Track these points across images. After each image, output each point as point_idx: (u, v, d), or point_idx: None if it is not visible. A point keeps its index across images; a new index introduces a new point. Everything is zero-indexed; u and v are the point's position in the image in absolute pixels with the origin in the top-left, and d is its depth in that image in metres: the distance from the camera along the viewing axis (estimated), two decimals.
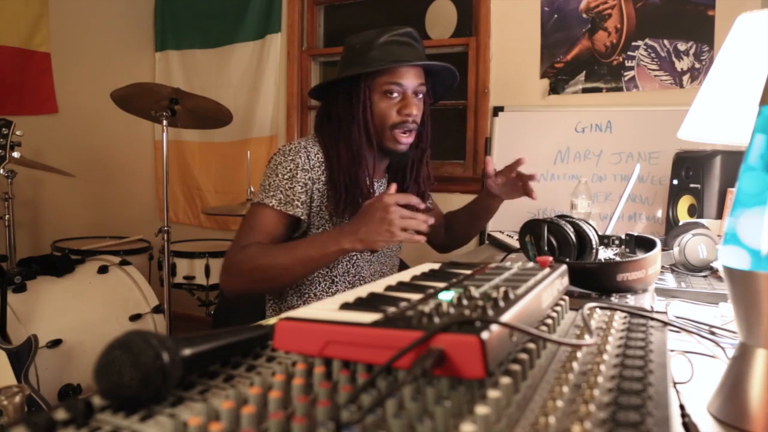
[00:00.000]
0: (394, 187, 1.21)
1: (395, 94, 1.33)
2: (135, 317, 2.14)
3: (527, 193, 1.47)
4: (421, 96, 1.37)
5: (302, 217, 1.32)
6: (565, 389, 0.41)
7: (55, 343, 1.86)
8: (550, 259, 0.68)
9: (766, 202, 0.50)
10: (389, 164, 1.47)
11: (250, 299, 1.60)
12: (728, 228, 0.53)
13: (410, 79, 1.33)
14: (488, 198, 1.57)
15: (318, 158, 1.35)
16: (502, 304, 0.46)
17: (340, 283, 1.41)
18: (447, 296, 0.50)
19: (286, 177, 1.31)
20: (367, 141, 1.33)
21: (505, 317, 0.42)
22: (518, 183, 1.48)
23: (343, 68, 1.37)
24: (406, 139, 1.35)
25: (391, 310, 0.46)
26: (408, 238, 1.16)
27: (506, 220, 2.51)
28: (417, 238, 1.17)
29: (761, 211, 0.50)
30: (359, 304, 0.50)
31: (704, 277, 1.13)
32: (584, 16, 2.52)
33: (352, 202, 1.32)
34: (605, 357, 0.48)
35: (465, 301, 0.48)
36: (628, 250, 1.13)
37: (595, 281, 0.83)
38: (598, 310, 0.66)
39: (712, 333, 0.77)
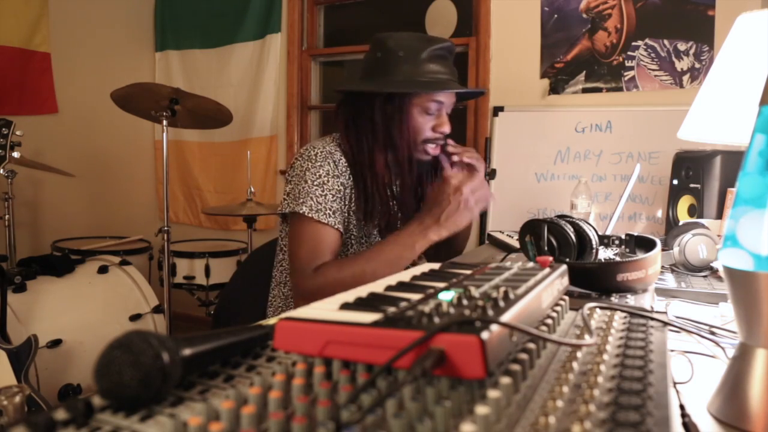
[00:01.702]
0: (448, 167, 1.27)
1: (433, 111, 1.34)
2: (135, 317, 2.14)
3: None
4: (449, 111, 1.39)
5: (336, 227, 1.29)
6: (565, 389, 0.41)
7: (55, 343, 1.86)
8: (550, 259, 0.68)
9: (766, 205, 0.50)
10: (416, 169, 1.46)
11: (249, 300, 1.60)
12: (728, 230, 0.53)
13: (450, 98, 1.36)
14: None
15: (343, 163, 1.33)
16: (502, 304, 0.46)
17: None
18: (447, 296, 0.50)
19: (316, 183, 1.29)
20: (398, 151, 1.33)
21: (505, 317, 0.42)
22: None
23: (380, 72, 1.34)
24: (434, 151, 1.36)
25: (391, 310, 0.46)
26: (484, 207, 1.24)
27: (506, 220, 2.52)
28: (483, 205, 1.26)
29: (761, 213, 0.50)
30: (359, 304, 0.50)
31: (704, 277, 1.13)
32: (584, 16, 2.52)
33: (381, 208, 1.33)
34: (605, 357, 0.48)
35: (465, 301, 0.48)
36: (628, 250, 1.13)
37: (595, 281, 0.83)
38: (598, 310, 0.66)
39: (712, 333, 0.77)
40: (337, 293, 1.22)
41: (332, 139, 1.38)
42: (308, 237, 1.28)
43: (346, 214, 1.34)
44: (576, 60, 2.55)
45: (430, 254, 1.67)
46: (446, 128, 1.36)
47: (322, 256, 1.27)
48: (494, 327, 0.39)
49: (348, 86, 1.40)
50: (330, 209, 1.28)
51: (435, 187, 1.24)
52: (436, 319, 0.42)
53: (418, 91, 1.31)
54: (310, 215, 1.26)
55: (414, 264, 1.49)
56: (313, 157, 1.32)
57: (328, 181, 1.29)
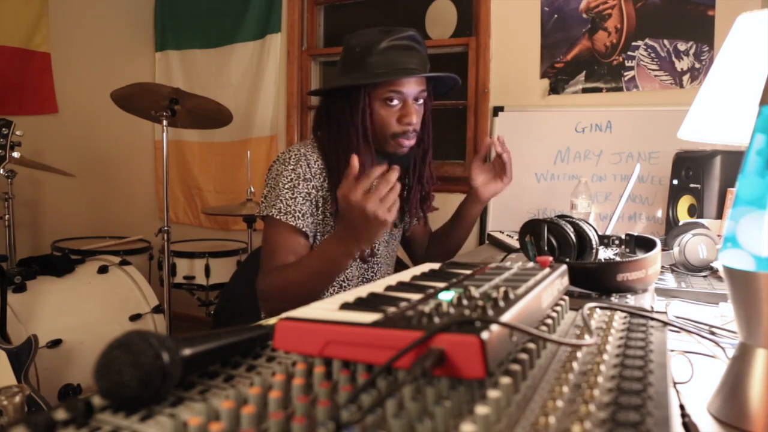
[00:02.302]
0: (352, 174, 1.11)
1: (395, 102, 1.31)
2: (135, 317, 2.14)
3: (502, 168, 1.47)
4: (421, 101, 1.36)
5: (304, 229, 1.30)
6: (565, 389, 0.41)
7: (55, 343, 1.86)
8: (550, 259, 0.68)
9: (766, 206, 0.50)
10: (388, 164, 1.46)
11: (249, 300, 1.60)
12: (728, 232, 0.53)
13: (411, 87, 1.31)
14: (469, 204, 1.55)
15: (318, 165, 1.34)
16: (502, 304, 0.46)
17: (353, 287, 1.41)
18: (447, 296, 0.50)
19: (287, 187, 1.30)
20: (366, 146, 1.32)
21: (505, 317, 0.42)
22: (497, 164, 1.49)
23: (342, 71, 1.35)
24: (407, 143, 1.35)
25: (391, 310, 0.46)
26: (395, 211, 1.11)
27: (506, 220, 2.52)
28: (397, 206, 1.12)
29: (761, 215, 0.50)
30: (359, 304, 0.50)
31: (704, 277, 1.13)
32: (584, 16, 2.52)
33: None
34: (605, 357, 0.48)
35: (465, 301, 0.48)
36: (628, 250, 1.13)
37: (595, 281, 0.83)
38: (598, 310, 0.66)
39: (712, 333, 0.77)
40: (281, 297, 1.24)
41: (311, 140, 1.39)
42: (271, 238, 1.31)
43: (320, 217, 1.34)
44: (576, 60, 2.55)
45: (422, 255, 1.68)
46: (411, 119, 1.31)
47: (281, 257, 1.29)
48: (494, 327, 0.39)
49: (312, 90, 1.42)
50: (299, 212, 1.29)
51: (341, 199, 1.13)
52: (436, 319, 0.42)
53: (365, 82, 1.28)
54: (278, 217, 1.28)
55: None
56: (287, 160, 1.33)
57: (298, 184, 1.30)
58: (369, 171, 1.10)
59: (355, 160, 1.12)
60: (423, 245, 1.68)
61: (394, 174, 1.10)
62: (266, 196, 1.34)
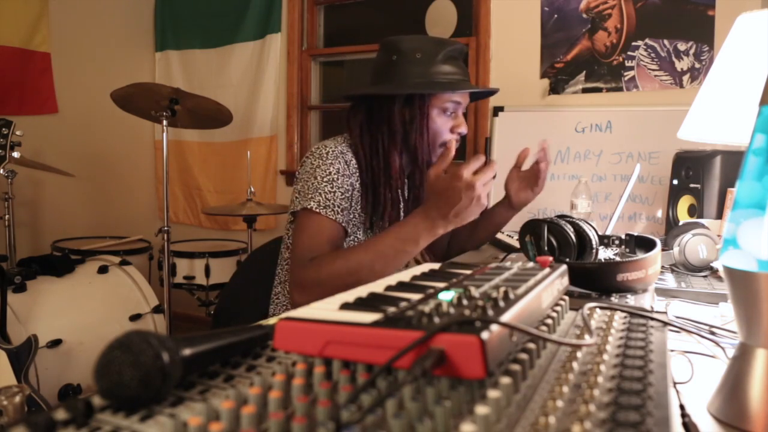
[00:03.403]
0: (477, 163, 1.16)
1: (450, 112, 1.35)
2: (135, 317, 2.14)
3: (537, 174, 1.48)
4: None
5: (343, 224, 1.28)
6: (565, 389, 0.41)
7: (55, 343, 1.86)
8: (550, 259, 0.68)
9: (765, 208, 0.50)
10: (420, 171, 1.44)
11: (249, 300, 1.60)
12: (728, 234, 0.53)
13: (466, 98, 1.37)
14: (500, 208, 1.55)
15: (353, 164, 1.33)
16: (502, 304, 0.46)
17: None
18: (447, 296, 0.50)
19: (326, 180, 1.28)
20: (407, 152, 1.34)
21: (505, 317, 0.42)
22: (529, 173, 1.50)
23: (395, 74, 1.34)
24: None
25: (391, 310, 0.46)
26: (489, 197, 1.18)
27: None
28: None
29: (761, 217, 0.50)
30: (359, 304, 0.50)
31: (704, 277, 1.13)
32: (584, 16, 2.52)
33: (392, 212, 1.33)
34: (605, 357, 0.48)
35: (465, 301, 0.48)
36: (628, 250, 1.13)
37: (595, 281, 0.83)
38: (598, 310, 0.66)
39: (712, 333, 0.77)
40: (332, 284, 1.20)
41: (343, 139, 1.37)
42: (311, 229, 1.27)
43: (352, 216, 1.33)
44: (576, 60, 2.55)
45: (442, 248, 1.67)
46: (464, 129, 1.37)
47: (321, 247, 1.25)
48: (494, 327, 0.39)
49: (364, 90, 1.39)
50: (339, 206, 1.28)
51: (440, 179, 1.16)
52: (436, 319, 0.42)
53: (440, 91, 1.32)
54: (317, 210, 1.25)
55: (417, 263, 1.48)
56: (324, 155, 1.31)
57: (338, 179, 1.29)
58: (476, 156, 1.17)
59: (452, 143, 1.21)
60: (442, 245, 1.68)
61: (494, 164, 1.16)
62: (301, 191, 1.30)
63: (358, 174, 1.33)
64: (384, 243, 1.18)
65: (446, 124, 1.35)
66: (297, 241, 1.27)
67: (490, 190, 1.16)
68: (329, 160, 1.30)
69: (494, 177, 1.22)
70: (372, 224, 1.35)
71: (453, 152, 1.19)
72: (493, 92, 1.51)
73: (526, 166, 1.52)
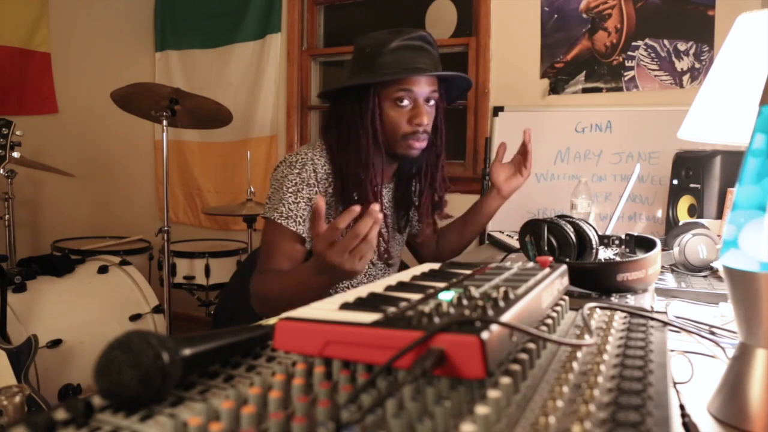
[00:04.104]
0: (316, 217, 1.05)
1: (406, 102, 1.29)
2: (135, 317, 2.14)
3: (524, 156, 1.50)
4: (433, 102, 1.33)
5: (303, 235, 1.29)
6: (565, 389, 0.41)
7: (55, 343, 1.86)
8: (550, 259, 0.68)
9: (765, 209, 0.49)
10: (398, 167, 1.44)
11: (249, 300, 1.60)
12: (728, 236, 0.52)
13: (422, 87, 1.29)
14: (490, 200, 1.55)
15: (325, 170, 1.32)
16: (502, 304, 0.46)
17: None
18: (447, 296, 0.50)
19: (290, 191, 1.29)
20: (376, 149, 1.31)
21: (505, 317, 0.42)
22: (516, 160, 1.53)
23: (352, 72, 1.34)
24: (418, 145, 1.32)
25: (391, 310, 0.46)
26: (367, 260, 1.04)
27: (506, 220, 2.51)
28: (370, 256, 1.04)
29: (761, 218, 0.50)
30: (359, 304, 0.50)
31: (704, 277, 1.13)
32: (584, 16, 2.52)
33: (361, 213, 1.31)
34: (605, 357, 0.48)
35: (465, 301, 0.48)
36: (628, 250, 1.13)
37: (595, 281, 0.83)
38: (598, 310, 0.66)
39: (712, 333, 0.77)
40: (268, 303, 1.21)
41: (319, 143, 1.37)
42: (270, 241, 1.30)
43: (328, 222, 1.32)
44: (576, 60, 2.55)
45: (429, 256, 1.67)
46: (422, 119, 1.29)
47: (275, 261, 1.28)
48: (494, 327, 0.39)
49: (321, 92, 1.40)
50: (300, 217, 1.28)
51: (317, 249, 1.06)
52: (436, 319, 0.42)
53: (373, 81, 1.27)
54: (279, 221, 1.28)
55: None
56: (294, 164, 1.32)
57: (302, 189, 1.29)
58: (338, 219, 1.00)
59: (320, 202, 1.03)
60: (431, 248, 1.68)
61: (367, 221, 0.99)
62: (270, 198, 1.33)
63: (331, 179, 1.32)
64: (292, 281, 1.18)
65: (402, 116, 1.29)
66: (261, 251, 1.33)
67: (363, 252, 1.01)
68: (296, 169, 1.31)
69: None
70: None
71: (319, 211, 1.03)
72: (461, 78, 1.37)
73: (506, 160, 1.55)
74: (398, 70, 1.27)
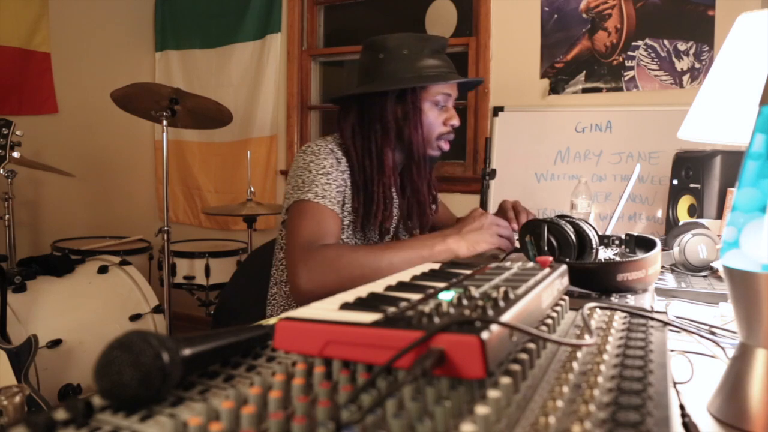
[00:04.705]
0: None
1: (443, 104, 1.37)
2: (135, 317, 2.14)
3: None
4: None
5: (339, 216, 1.30)
6: (565, 389, 0.41)
7: (55, 343, 1.86)
8: (550, 259, 0.68)
9: (765, 212, 0.49)
10: (417, 168, 1.44)
11: (249, 300, 1.60)
12: (728, 238, 0.52)
13: (455, 90, 1.40)
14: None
15: (344, 162, 1.34)
16: (502, 304, 0.46)
17: None
18: (447, 296, 0.50)
19: (320, 173, 1.28)
20: (402, 148, 1.35)
21: (505, 317, 0.42)
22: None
23: (379, 73, 1.34)
24: (446, 146, 1.40)
25: (391, 310, 0.46)
26: (501, 242, 1.26)
27: None
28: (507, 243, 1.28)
29: (760, 220, 0.50)
30: (359, 304, 0.50)
31: (704, 277, 1.13)
32: (584, 16, 2.52)
33: (385, 210, 1.34)
34: (605, 357, 0.48)
35: (465, 301, 0.48)
36: (628, 250, 1.13)
37: (595, 281, 0.83)
38: (598, 310, 0.66)
39: (712, 333, 0.77)
40: (347, 273, 1.18)
41: (333, 139, 1.38)
42: (313, 217, 1.24)
43: (343, 213, 1.33)
44: (576, 60, 2.55)
45: None
46: (456, 121, 1.39)
47: (327, 234, 1.24)
48: (494, 327, 0.39)
49: (356, 90, 1.38)
50: (334, 198, 1.28)
51: (475, 211, 1.29)
52: (436, 319, 0.42)
53: (431, 84, 1.34)
54: (316, 201, 1.25)
55: None
56: (316, 152, 1.32)
57: (332, 173, 1.29)
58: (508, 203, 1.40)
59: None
60: None
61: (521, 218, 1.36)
62: (296, 185, 1.29)
63: (349, 173, 1.34)
64: (403, 246, 1.22)
65: (439, 117, 1.37)
66: (301, 229, 1.24)
67: (504, 234, 1.27)
68: (322, 155, 1.31)
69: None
70: (363, 223, 1.35)
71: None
72: (479, 82, 1.54)
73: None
74: (443, 74, 1.35)
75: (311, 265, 1.16)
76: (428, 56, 1.35)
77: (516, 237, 1.23)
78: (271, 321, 0.59)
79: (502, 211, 1.42)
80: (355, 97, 1.38)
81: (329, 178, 1.29)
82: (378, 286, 0.57)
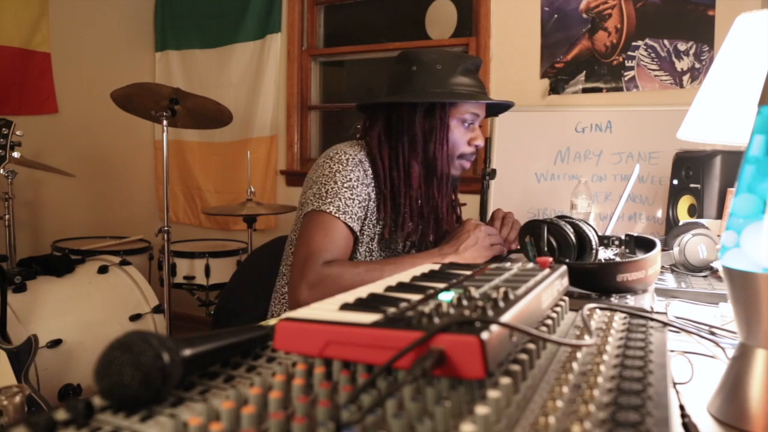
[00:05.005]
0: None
1: (469, 123, 1.37)
2: (135, 317, 2.14)
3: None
4: None
5: (356, 233, 1.30)
6: (565, 389, 0.41)
7: (55, 343, 1.86)
8: (550, 259, 0.68)
9: (763, 215, 0.49)
10: (440, 185, 1.46)
11: (249, 300, 1.60)
12: (728, 240, 0.52)
13: (482, 110, 1.40)
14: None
15: (370, 174, 1.33)
16: (502, 304, 0.46)
17: None
18: (447, 297, 0.50)
19: (346, 186, 1.28)
20: (426, 163, 1.34)
21: (505, 318, 0.42)
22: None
23: (416, 85, 1.34)
24: (468, 166, 1.41)
25: (391, 310, 0.46)
26: (495, 251, 1.33)
27: None
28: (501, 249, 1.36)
29: (759, 223, 0.50)
30: (359, 305, 0.50)
31: (704, 277, 1.13)
32: (584, 16, 2.52)
33: (411, 222, 1.34)
34: (605, 357, 0.48)
35: (465, 302, 0.48)
36: (628, 250, 1.13)
37: (595, 282, 0.83)
38: (597, 310, 0.66)
39: (712, 333, 0.77)
40: (342, 290, 1.19)
41: (360, 147, 1.37)
42: (329, 232, 1.26)
43: (365, 226, 1.34)
44: (576, 60, 2.55)
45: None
46: (480, 141, 1.39)
47: (338, 251, 1.26)
48: (494, 327, 0.39)
49: (387, 98, 1.37)
50: (355, 214, 1.28)
51: (467, 225, 1.33)
52: (436, 320, 0.42)
53: (461, 101, 1.34)
54: (336, 215, 1.26)
55: None
56: (345, 161, 1.31)
57: (357, 187, 1.29)
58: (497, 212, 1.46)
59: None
60: None
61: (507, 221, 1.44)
62: (318, 193, 1.29)
63: (374, 184, 1.34)
64: (404, 262, 1.24)
65: (464, 136, 1.37)
66: (311, 240, 1.26)
67: (496, 243, 1.33)
68: (350, 167, 1.30)
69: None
70: (390, 235, 1.35)
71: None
72: (509, 105, 1.50)
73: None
74: (476, 93, 1.36)
75: (313, 282, 1.21)
76: (461, 74, 1.34)
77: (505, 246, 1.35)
78: (272, 321, 0.59)
79: (492, 220, 1.47)
80: (384, 106, 1.37)
81: (353, 193, 1.28)
82: (378, 287, 0.57)
